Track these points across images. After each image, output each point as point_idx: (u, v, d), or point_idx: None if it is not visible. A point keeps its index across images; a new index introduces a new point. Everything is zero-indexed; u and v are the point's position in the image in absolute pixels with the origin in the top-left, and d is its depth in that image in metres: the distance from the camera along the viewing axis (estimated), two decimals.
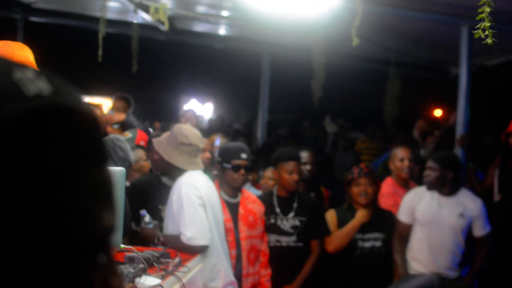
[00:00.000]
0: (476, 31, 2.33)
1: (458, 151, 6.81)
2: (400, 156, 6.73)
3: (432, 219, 5.78)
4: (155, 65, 13.56)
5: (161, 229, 4.68)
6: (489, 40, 2.30)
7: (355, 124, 15.74)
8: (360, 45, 5.80)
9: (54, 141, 0.76)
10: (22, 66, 0.81)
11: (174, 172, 4.77)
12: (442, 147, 7.29)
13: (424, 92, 15.71)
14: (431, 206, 5.82)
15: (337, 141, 14.66)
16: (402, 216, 5.95)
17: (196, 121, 8.61)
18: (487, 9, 2.33)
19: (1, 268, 0.72)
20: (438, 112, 17.63)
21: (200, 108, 16.76)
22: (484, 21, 2.33)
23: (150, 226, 4.60)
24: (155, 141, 4.97)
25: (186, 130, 4.87)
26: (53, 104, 0.78)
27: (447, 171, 5.84)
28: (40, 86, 0.78)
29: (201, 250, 4.47)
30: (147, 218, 4.63)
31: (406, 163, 6.64)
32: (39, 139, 0.74)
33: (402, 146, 7.19)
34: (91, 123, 0.84)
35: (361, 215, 5.81)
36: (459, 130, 6.92)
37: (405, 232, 5.93)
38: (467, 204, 5.87)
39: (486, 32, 2.31)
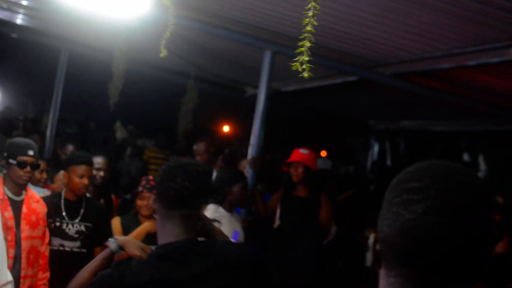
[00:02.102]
0: (294, 63, 2.38)
1: (248, 171, 6.96)
2: None
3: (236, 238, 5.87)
4: None
5: None
6: (305, 74, 2.35)
7: (147, 133, 15.70)
8: (164, 56, 5.79)
9: None
10: None
11: None
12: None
13: (219, 108, 15.99)
14: (232, 225, 5.91)
15: (125, 147, 14.58)
16: None
17: None
18: (307, 44, 2.37)
19: None
20: (226, 128, 17.99)
21: None
22: (303, 55, 2.37)
23: None
24: None
25: None
26: None
27: None
28: None
29: None
30: None
31: None
32: None
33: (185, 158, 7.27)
34: None
35: (147, 224, 5.77)
36: (252, 151, 7.06)
37: None
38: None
39: (304, 66, 2.36)
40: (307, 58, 2.41)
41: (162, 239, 2.88)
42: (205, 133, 9.99)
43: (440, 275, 1.35)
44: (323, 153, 15.32)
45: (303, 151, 7.14)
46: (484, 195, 1.39)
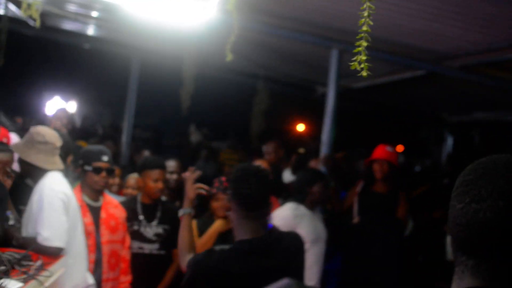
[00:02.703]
0: (352, 63, 2.42)
1: (321, 169, 7.00)
2: None
3: (317, 235, 5.92)
4: (20, 60, 13.15)
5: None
6: (364, 73, 2.39)
7: (221, 135, 15.83)
8: (233, 59, 5.87)
9: None
10: None
11: (35, 172, 4.70)
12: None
13: (291, 108, 15.99)
14: (313, 222, 5.95)
15: (200, 150, 14.72)
16: None
17: (67, 121, 8.35)
18: (364, 43, 2.42)
19: None
20: (300, 127, 17.99)
21: (64, 105, 16.44)
22: (360, 55, 2.42)
23: (12, 227, 4.52)
24: (13, 144, 4.88)
25: (42, 130, 4.85)
26: None
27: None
28: None
29: (55, 252, 4.40)
30: (12, 219, 4.54)
31: None
32: None
33: (260, 158, 7.36)
34: None
35: (218, 224, 5.81)
36: (324, 150, 7.10)
37: None
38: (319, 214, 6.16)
39: (362, 65, 2.40)
40: (364, 58, 2.45)
41: (240, 235, 3.54)
42: (278, 133, 10.05)
43: (491, 260, 1.40)
44: (400, 148, 15.22)
45: (388, 148, 7.10)
46: None
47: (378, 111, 14.50)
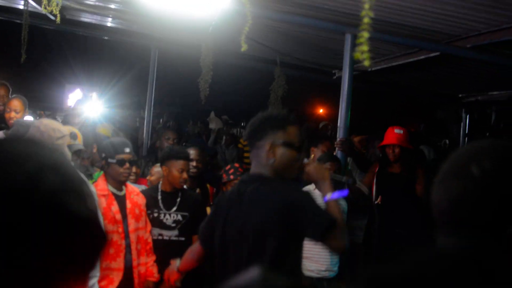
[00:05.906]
0: (355, 52, 2.53)
1: (338, 153, 7.09)
2: None
3: None
4: (41, 54, 13.28)
5: None
6: (366, 62, 2.50)
7: (240, 122, 15.91)
8: (249, 45, 5.94)
9: None
10: None
11: None
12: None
13: (309, 92, 16.02)
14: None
15: (220, 137, 14.83)
16: None
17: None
18: (366, 34, 2.53)
19: None
20: (321, 111, 18.07)
21: (85, 98, 16.60)
22: (362, 45, 2.53)
23: None
24: None
25: (52, 124, 4.91)
26: None
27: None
28: None
29: None
30: None
31: None
32: None
33: None
34: None
35: None
36: (340, 134, 7.19)
37: None
38: None
39: (364, 55, 2.51)
40: (366, 48, 2.55)
41: None
42: (296, 118, 10.09)
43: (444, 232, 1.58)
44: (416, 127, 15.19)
45: (397, 130, 7.20)
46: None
47: (395, 93, 14.46)
